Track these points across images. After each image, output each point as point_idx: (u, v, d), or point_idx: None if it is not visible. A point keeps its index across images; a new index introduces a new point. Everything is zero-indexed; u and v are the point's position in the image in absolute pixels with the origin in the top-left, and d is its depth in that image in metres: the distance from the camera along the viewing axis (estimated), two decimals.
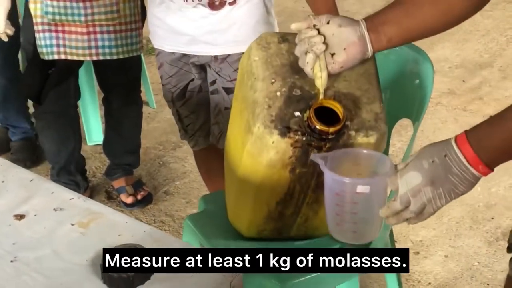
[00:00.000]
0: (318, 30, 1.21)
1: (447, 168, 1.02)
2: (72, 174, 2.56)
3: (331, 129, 1.22)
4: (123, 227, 1.20)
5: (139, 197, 2.64)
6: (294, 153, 1.26)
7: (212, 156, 2.17)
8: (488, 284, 2.21)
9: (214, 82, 2.03)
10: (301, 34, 1.22)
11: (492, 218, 2.50)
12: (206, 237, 1.70)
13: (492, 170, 1.03)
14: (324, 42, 1.20)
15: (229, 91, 1.98)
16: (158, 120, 3.33)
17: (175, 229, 2.51)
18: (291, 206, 1.41)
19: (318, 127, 1.21)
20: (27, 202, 1.28)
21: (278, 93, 1.26)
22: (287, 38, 1.31)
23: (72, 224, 1.21)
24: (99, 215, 1.24)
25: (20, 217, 1.24)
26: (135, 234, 1.17)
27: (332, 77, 1.24)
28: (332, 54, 1.21)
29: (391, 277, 1.86)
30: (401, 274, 1.95)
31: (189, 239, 1.75)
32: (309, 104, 1.24)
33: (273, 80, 1.26)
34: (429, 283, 2.21)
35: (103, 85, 2.58)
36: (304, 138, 1.24)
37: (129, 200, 2.63)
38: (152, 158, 3.00)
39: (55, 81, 2.32)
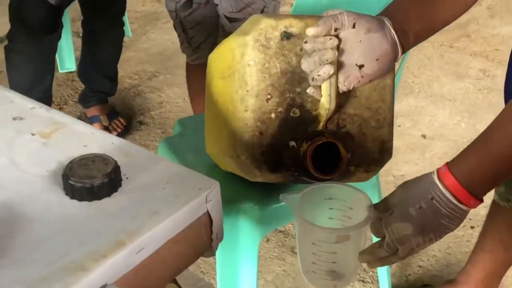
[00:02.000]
0: (337, 36, 1.00)
1: (436, 212, 0.93)
2: None
3: (328, 177, 1.06)
4: (89, 138, 1.10)
5: (114, 133, 2.56)
6: (284, 180, 1.12)
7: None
8: (470, 219, 2.17)
9: (217, 4, 1.91)
10: (314, 43, 1.00)
11: None
12: (182, 161, 1.61)
13: (482, 200, 0.94)
14: (341, 57, 1.01)
15: (232, 20, 1.85)
16: (133, 49, 3.20)
17: None
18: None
19: (314, 173, 1.06)
20: None
21: (273, 115, 1.07)
22: (291, 33, 1.07)
23: (33, 134, 1.11)
24: (63, 125, 1.13)
25: None
26: (102, 145, 1.07)
27: (340, 95, 1.06)
28: (360, 66, 1.02)
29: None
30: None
31: None
32: (307, 131, 1.08)
33: (268, 96, 1.07)
34: None
35: (88, 8, 2.45)
36: (296, 174, 1.09)
37: None
38: (127, 87, 2.89)
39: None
